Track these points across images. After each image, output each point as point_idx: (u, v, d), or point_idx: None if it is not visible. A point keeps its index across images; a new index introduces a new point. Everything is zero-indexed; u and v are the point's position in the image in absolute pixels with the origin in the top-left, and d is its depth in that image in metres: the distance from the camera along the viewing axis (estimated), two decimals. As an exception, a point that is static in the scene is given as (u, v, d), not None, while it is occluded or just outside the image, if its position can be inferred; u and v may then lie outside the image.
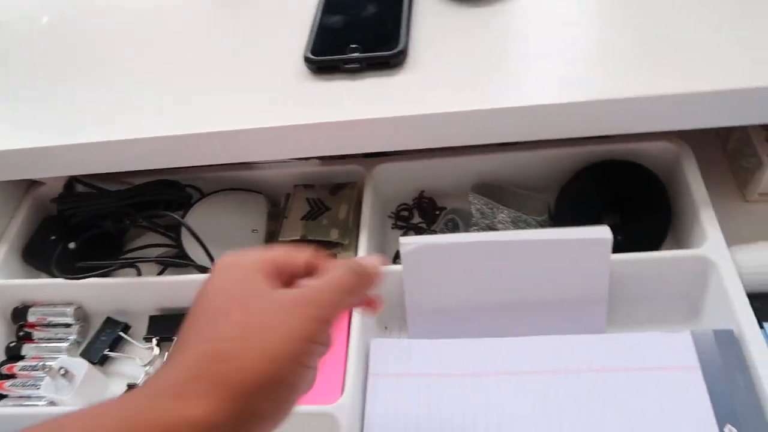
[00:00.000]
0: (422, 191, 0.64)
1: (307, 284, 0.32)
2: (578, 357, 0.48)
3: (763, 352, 0.44)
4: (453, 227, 0.60)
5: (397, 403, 0.48)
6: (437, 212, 0.62)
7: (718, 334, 0.46)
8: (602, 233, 0.49)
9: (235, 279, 0.32)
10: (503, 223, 0.57)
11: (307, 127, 0.50)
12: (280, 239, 0.57)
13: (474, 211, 0.59)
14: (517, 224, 0.57)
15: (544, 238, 0.49)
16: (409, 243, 0.51)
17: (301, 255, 0.34)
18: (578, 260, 0.50)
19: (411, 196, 0.64)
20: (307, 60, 0.53)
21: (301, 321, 0.30)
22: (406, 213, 0.64)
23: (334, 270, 0.33)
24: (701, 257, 0.50)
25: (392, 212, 0.64)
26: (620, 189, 0.58)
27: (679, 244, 0.56)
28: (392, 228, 0.63)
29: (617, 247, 0.52)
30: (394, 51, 0.52)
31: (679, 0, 0.53)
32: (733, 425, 0.42)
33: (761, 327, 0.48)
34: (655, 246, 0.56)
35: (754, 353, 0.44)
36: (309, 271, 0.34)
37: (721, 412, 0.42)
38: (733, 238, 0.53)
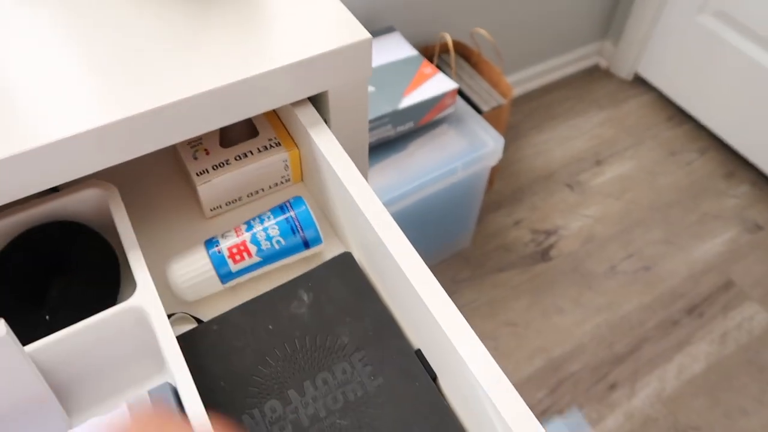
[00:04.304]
0: None
1: None
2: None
3: (189, 399, 0.41)
4: None
5: None
6: None
7: (152, 393, 0.42)
8: (-5, 332, 0.41)
9: None
10: None
11: None
12: None
13: None
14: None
15: None
16: None
17: None
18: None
19: None
20: None
21: None
22: None
23: None
24: (134, 308, 0.45)
25: None
26: (60, 252, 0.51)
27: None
28: None
29: (66, 321, 0.45)
30: None
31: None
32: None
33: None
34: (113, 302, 0.50)
35: (185, 399, 0.41)
36: None
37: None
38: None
